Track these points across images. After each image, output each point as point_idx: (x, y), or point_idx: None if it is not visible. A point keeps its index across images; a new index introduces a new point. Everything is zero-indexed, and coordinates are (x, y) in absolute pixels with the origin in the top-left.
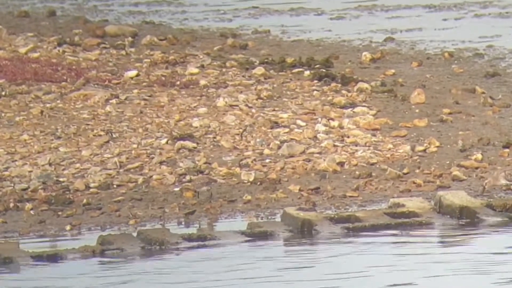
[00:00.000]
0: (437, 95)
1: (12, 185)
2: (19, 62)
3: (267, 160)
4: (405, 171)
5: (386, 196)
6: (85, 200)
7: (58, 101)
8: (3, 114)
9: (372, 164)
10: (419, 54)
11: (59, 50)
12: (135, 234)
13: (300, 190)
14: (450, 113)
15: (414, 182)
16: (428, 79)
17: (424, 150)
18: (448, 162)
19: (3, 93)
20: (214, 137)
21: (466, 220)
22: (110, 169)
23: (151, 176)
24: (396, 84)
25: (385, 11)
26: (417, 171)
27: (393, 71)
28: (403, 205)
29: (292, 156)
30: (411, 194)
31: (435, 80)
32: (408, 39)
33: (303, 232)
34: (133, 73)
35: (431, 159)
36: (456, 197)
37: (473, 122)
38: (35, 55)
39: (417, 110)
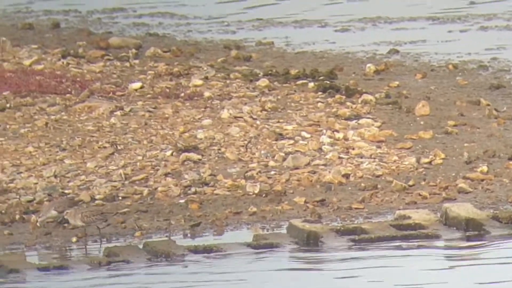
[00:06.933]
0: (442, 107)
1: (18, 197)
2: (24, 74)
3: (272, 172)
4: (410, 183)
5: (392, 208)
6: None
7: (63, 113)
8: (8, 126)
9: (378, 176)
10: (423, 66)
11: (63, 62)
12: (141, 246)
13: (305, 202)
14: (455, 125)
15: (420, 194)
16: (433, 91)
17: (430, 162)
18: (453, 174)
19: (8, 105)
20: (219, 149)
21: (473, 232)
22: (115, 181)
23: (156, 188)
24: (400, 96)
25: (389, 23)
26: (423, 183)
27: (397, 83)
28: (409, 217)
29: (297, 168)
30: (417, 206)
31: (440, 92)
32: (412, 51)
33: (309, 244)
34: (137, 85)
35: (436, 171)
36: (462, 209)
37: (478, 134)
38: (40, 67)
39: (422, 122)
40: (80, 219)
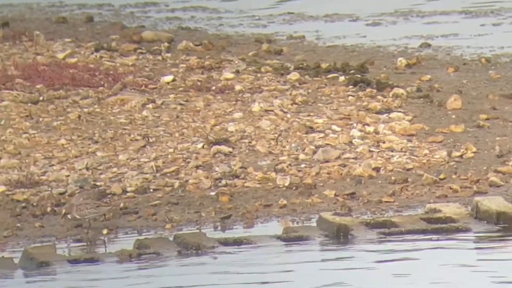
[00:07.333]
0: (474, 100)
1: (50, 189)
2: (57, 67)
3: (303, 165)
4: (441, 176)
5: (423, 202)
6: (122, 204)
7: (96, 106)
8: (41, 119)
9: (408, 169)
10: (456, 59)
11: (96, 56)
12: (171, 238)
13: (335, 195)
14: (487, 119)
15: (450, 188)
16: (465, 84)
17: (461, 156)
18: (485, 168)
19: (41, 98)
20: (250, 142)
21: (503, 225)
22: (146, 173)
23: (187, 181)
24: (432, 90)
25: (421, 17)
26: (454, 176)
27: (429, 76)
28: (439, 211)
29: (327, 161)
30: (448, 199)
31: (472, 85)
32: (444, 45)
33: (339, 237)
34: (169, 78)
35: (467, 164)
36: (493, 202)
37: (510, 128)
38: (73, 60)
39: (453, 116)
40: (75, 211)
